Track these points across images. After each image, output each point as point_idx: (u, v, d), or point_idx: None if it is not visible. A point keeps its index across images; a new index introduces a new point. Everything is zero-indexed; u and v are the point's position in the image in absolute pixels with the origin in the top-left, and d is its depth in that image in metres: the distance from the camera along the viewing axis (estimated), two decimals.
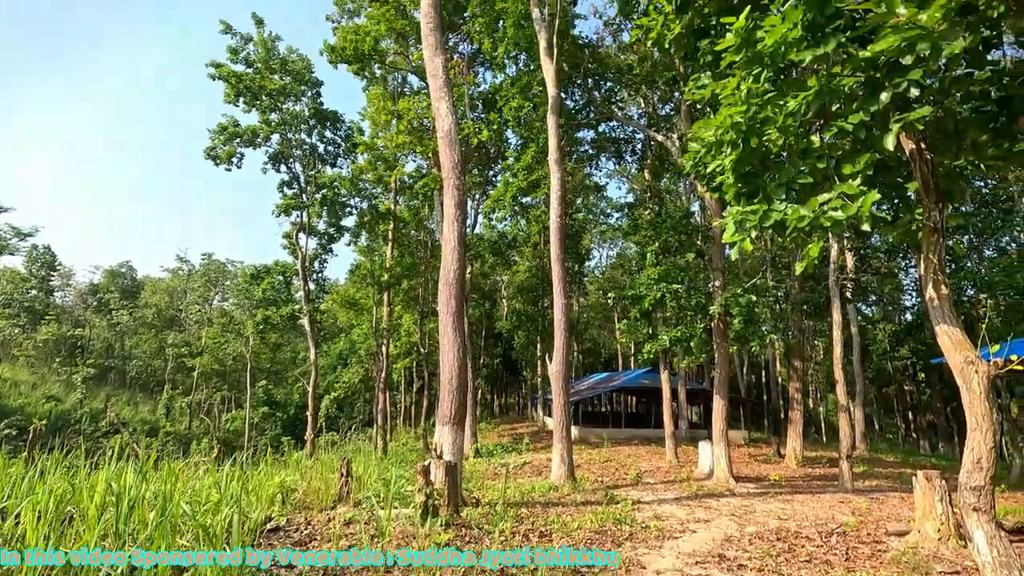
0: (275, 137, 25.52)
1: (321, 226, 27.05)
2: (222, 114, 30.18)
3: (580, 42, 18.80)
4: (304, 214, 26.30)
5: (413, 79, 26.98)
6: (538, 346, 36.02)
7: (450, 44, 23.02)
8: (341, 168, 27.52)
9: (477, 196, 27.96)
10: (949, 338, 4.98)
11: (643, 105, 21.13)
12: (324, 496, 8.47)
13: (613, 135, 23.15)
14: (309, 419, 25.22)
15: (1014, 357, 4.91)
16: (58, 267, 66.16)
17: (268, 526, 6.85)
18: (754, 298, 13.40)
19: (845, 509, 10.24)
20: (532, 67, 18.78)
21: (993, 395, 4.97)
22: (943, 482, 7.48)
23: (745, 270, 31.40)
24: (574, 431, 25.38)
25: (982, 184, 22.54)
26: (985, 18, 3.67)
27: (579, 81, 19.79)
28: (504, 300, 47.12)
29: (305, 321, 25.96)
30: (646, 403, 38.95)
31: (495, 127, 20.69)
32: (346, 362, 43.10)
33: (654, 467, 16.71)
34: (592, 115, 21.23)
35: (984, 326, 5.29)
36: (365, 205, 27.30)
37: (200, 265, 66.95)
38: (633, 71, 18.82)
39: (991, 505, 4.57)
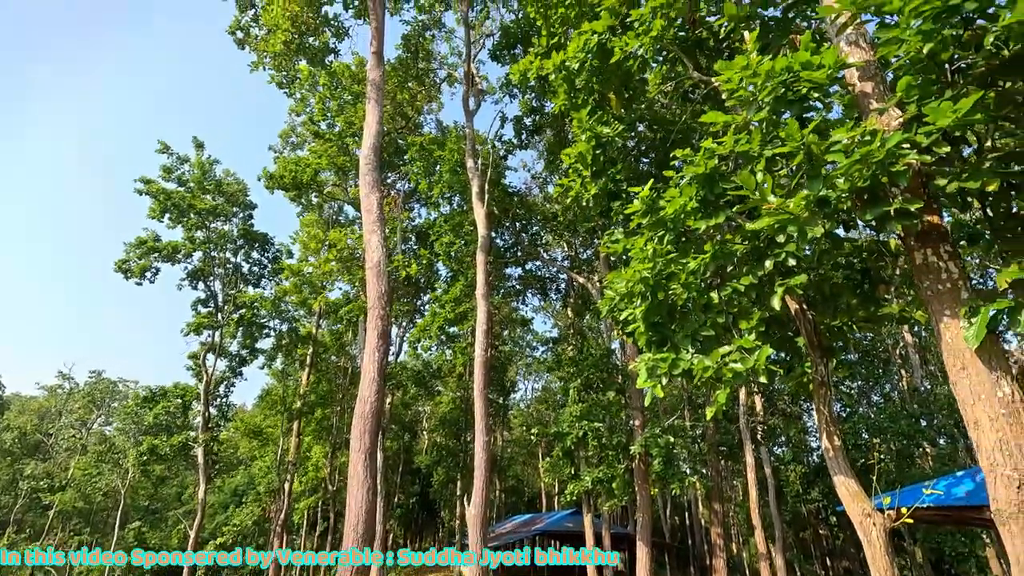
0: (197, 254, 24.84)
1: (234, 347, 25.57)
2: (143, 228, 29.08)
3: (510, 190, 20.47)
4: (217, 334, 24.87)
5: (349, 209, 27.86)
6: (458, 483, 33.93)
7: (388, 181, 24.34)
8: (264, 289, 26.84)
9: (404, 324, 27.85)
10: (846, 489, 5.20)
11: (566, 249, 22.73)
12: None
13: (539, 274, 24.43)
14: (185, 572, 21.58)
15: (904, 509, 5.16)
16: None
17: None
18: (672, 439, 13.60)
19: None
20: (464, 208, 20.03)
21: (893, 545, 5.11)
22: None
23: (664, 407, 32.20)
24: None
25: (863, 336, 25.25)
26: (837, 209, 4.40)
27: (508, 224, 21.20)
28: (425, 432, 45.01)
29: (199, 452, 23.29)
30: (570, 548, 36.63)
31: (424, 261, 21.35)
32: (241, 500, 38.26)
33: None
34: (519, 254, 22.50)
35: (874, 474, 5.59)
36: (285, 327, 26.34)
37: (85, 384, 59.92)
38: (557, 219, 20.49)
39: None
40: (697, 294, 5.84)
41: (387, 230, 20.13)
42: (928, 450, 19.43)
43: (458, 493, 33.38)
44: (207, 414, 23.79)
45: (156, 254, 23.41)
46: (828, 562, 35.49)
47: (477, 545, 12.25)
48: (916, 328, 26.26)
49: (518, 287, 26.06)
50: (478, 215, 15.52)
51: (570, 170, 8.57)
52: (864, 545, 5.01)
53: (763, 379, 4.96)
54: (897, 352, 26.61)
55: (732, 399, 17.78)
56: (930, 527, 18.13)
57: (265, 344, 26.42)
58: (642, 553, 13.34)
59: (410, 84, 21.22)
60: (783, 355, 7.66)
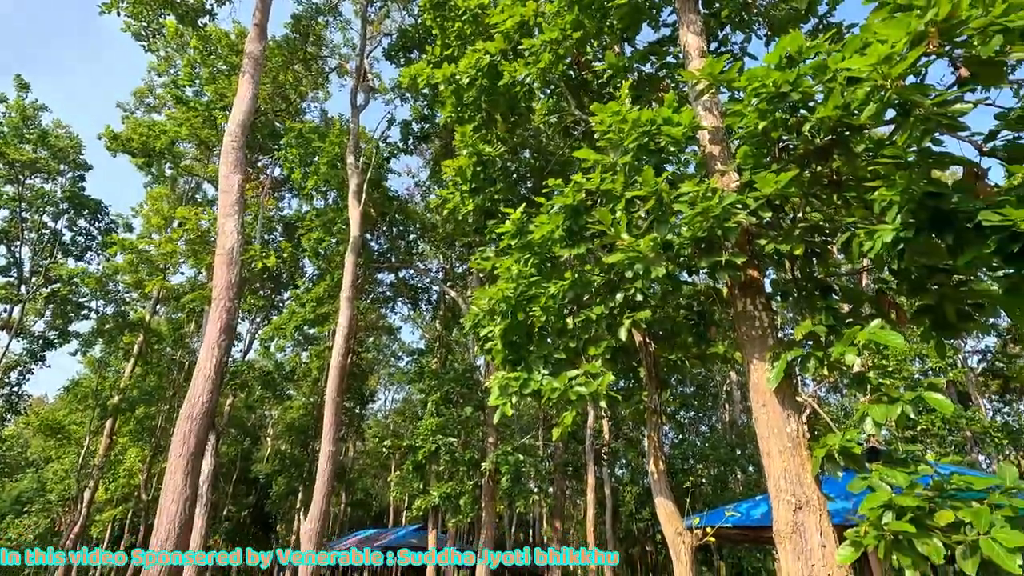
0: (3, 212, 20.83)
1: (39, 326, 21.67)
2: None
3: (390, 194, 19.97)
4: (16, 310, 20.91)
5: (209, 188, 25.29)
6: (299, 495, 31.69)
7: (259, 164, 22.50)
8: (90, 263, 23.19)
9: (258, 320, 25.71)
10: (664, 510, 5.68)
11: (442, 261, 22.65)
12: None
13: (412, 283, 24.02)
14: None
15: (709, 528, 5.75)
16: None
17: None
18: (522, 457, 13.96)
19: None
20: (340, 205, 19.12)
21: (697, 562, 5.66)
22: None
23: (521, 427, 33.09)
24: None
25: (698, 372, 28.23)
26: (679, 254, 4.87)
27: (384, 228, 20.63)
28: (269, 439, 41.60)
29: None
30: (416, 566, 35.87)
31: (287, 255, 19.92)
32: (24, 510, 32.12)
33: None
34: (393, 260, 21.95)
35: (689, 497, 6.19)
36: (111, 310, 22.95)
37: None
38: (436, 229, 20.37)
39: None
40: (554, 318, 6.08)
41: (247, 216, 18.56)
42: (740, 476, 22.09)
43: (298, 506, 31.15)
44: None
45: None
46: None
47: (310, 562, 11.46)
48: (741, 368, 29.95)
49: (389, 294, 25.39)
50: (352, 214, 14.90)
51: (451, 182, 8.57)
52: (674, 561, 5.48)
53: (603, 403, 5.27)
54: (724, 388, 30.08)
55: (581, 421, 18.78)
56: (733, 545, 20.53)
57: (83, 327, 22.75)
58: (481, 571, 13.42)
59: (296, 67, 19.96)
60: (627, 383, 8.26)
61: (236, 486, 38.64)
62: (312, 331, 23.77)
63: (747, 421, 26.45)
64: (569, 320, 6.10)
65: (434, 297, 24.17)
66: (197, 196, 24.64)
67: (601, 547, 23.90)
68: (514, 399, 5.79)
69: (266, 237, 21.31)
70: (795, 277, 4.99)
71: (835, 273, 5.26)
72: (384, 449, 17.77)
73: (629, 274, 4.83)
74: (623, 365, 7.81)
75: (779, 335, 5.06)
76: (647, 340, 6.78)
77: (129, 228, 24.22)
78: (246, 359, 25.59)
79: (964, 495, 3.64)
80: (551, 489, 20.98)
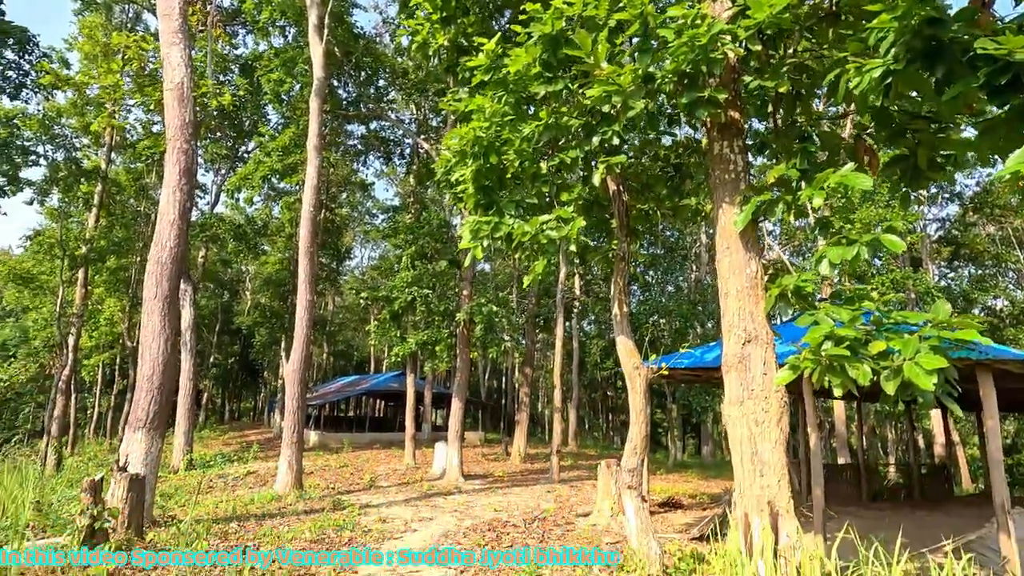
0: None
1: None
2: None
3: (355, 31, 18.13)
4: None
5: (151, 20, 22.60)
6: (282, 345, 33.11)
7: None
8: (27, 103, 21.21)
9: (222, 171, 24.64)
10: (624, 348, 6.09)
11: (415, 111, 21.41)
12: None
13: (384, 135, 22.88)
14: None
15: (664, 365, 6.24)
16: None
17: None
18: (496, 308, 14.54)
19: (550, 498, 11.70)
20: (301, 43, 17.39)
21: (650, 397, 6.22)
22: (618, 468, 9.10)
23: (497, 284, 34.11)
24: (314, 436, 23.92)
25: (670, 234, 28.79)
26: (660, 89, 4.62)
27: (351, 72, 19.07)
28: (248, 293, 42.26)
29: None
30: (395, 407, 39.06)
31: (242, 93, 18.41)
32: (11, 354, 33.06)
33: (391, 470, 16.70)
34: (363, 110, 20.64)
35: (648, 348, 6.61)
36: (61, 157, 21.58)
37: None
38: (407, 75, 18.94)
39: (639, 483, 5.69)
40: (528, 163, 5.92)
41: (196, 52, 16.88)
42: (699, 330, 23.67)
43: (282, 355, 32.72)
44: None
45: None
46: (611, 416, 42.99)
47: (293, 400, 12.29)
48: (711, 230, 30.64)
49: (360, 147, 24.28)
50: (314, 52, 13.60)
51: (417, 11, 7.73)
52: (630, 392, 6.00)
53: (573, 248, 5.34)
54: (694, 251, 30.99)
55: (553, 279, 19.36)
56: (683, 388, 22.65)
57: (35, 174, 21.51)
58: (456, 407, 14.64)
59: None
60: (598, 236, 8.36)
61: (220, 336, 40.04)
62: (282, 184, 23.01)
63: (711, 281, 27.71)
64: (543, 164, 5.95)
65: (407, 151, 23.25)
66: (138, 28, 22.02)
67: (567, 391, 26.04)
68: (485, 243, 5.82)
69: (221, 78, 19.54)
70: (775, 121, 4.84)
71: (817, 119, 5.12)
72: (362, 301, 18.26)
73: (607, 109, 4.60)
74: (595, 217, 7.84)
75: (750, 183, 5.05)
76: (620, 189, 6.72)
77: (66, 64, 21.86)
78: (214, 211, 24.97)
79: (899, 328, 3.94)
80: (523, 340, 22.28)
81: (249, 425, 41.06)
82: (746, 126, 5.29)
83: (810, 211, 4.19)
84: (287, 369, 12.73)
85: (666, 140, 8.05)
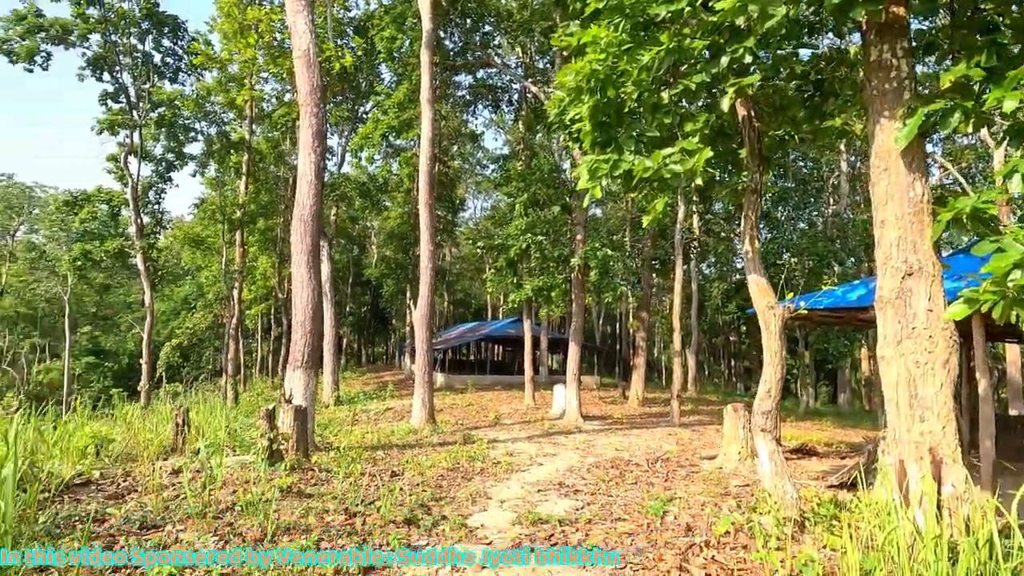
0: (95, 38, 21.36)
1: (158, 150, 23.59)
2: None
3: None
4: (135, 135, 22.65)
5: None
6: (408, 294, 35.51)
7: None
8: (184, 85, 23.96)
9: (346, 132, 26.20)
10: (757, 286, 5.70)
11: (521, 55, 20.96)
12: (152, 448, 7.71)
13: (491, 83, 22.77)
14: (144, 369, 22.63)
15: (803, 304, 5.78)
16: None
17: (77, 480, 6.08)
18: (611, 252, 14.30)
19: (671, 440, 11.65)
20: None
21: (785, 338, 5.82)
22: (746, 413, 8.76)
23: (609, 228, 33.37)
24: (440, 378, 25.73)
25: (803, 164, 25.98)
26: None
27: (457, 20, 19.00)
28: (374, 247, 45.49)
29: (138, 259, 22.81)
30: (512, 351, 40.61)
31: (360, 53, 19.14)
32: (192, 307, 38.97)
33: (513, 410, 17.56)
34: (470, 59, 20.62)
35: (780, 290, 6.14)
36: (214, 131, 24.24)
37: None
38: (512, 17, 18.48)
39: (775, 427, 5.43)
40: (648, 93, 5.57)
41: (316, 18, 17.71)
42: (836, 269, 21.49)
43: (408, 303, 35.18)
44: (139, 221, 22.77)
45: (43, 33, 19.92)
46: (732, 363, 41.17)
47: (423, 343, 13.22)
48: (853, 159, 27.15)
49: (468, 97, 24.43)
50: (422, 3, 13.71)
51: None
52: (763, 332, 5.66)
53: (699, 180, 5.02)
54: (831, 182, 27.78)
55: (670, 214, 18.50)
56: (819, 333, 20.90)
57: (195, 149, 24.54)
58: (572, 350, 14.87)
59: None
60: (724, 166, 7.75)
61: (353, 287, 43.81)
62: (399, 141, 24.01)
63: (852, 216, 24.78)
64: (664, 94, 5.56)
65: (515, 97, 23.00)
66: (264, 2, 23.56)
67: (685, 335, 25.27)
68: (604, 182, 5.66)
69: (338, 42, 20.48)
70: (952, 10, 4.06)
71: (1008, 2, 4.19)
72: (478, 251, 18.86)
73: (740, 21, 4.15)
74: (722, 148, 7.26)
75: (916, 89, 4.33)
76: (751, 114, 6.12)
77: (209, 44, 24.21)
78: (341, 171, 26.81)
79: None
80: (639, 284, 21.80)
81: (383, 367, 45.14)
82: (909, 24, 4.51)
83: (998, 118, 3.52)
84: (415, 315, 13.68)
85: (804, 55, 7.13)
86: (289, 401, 8.34)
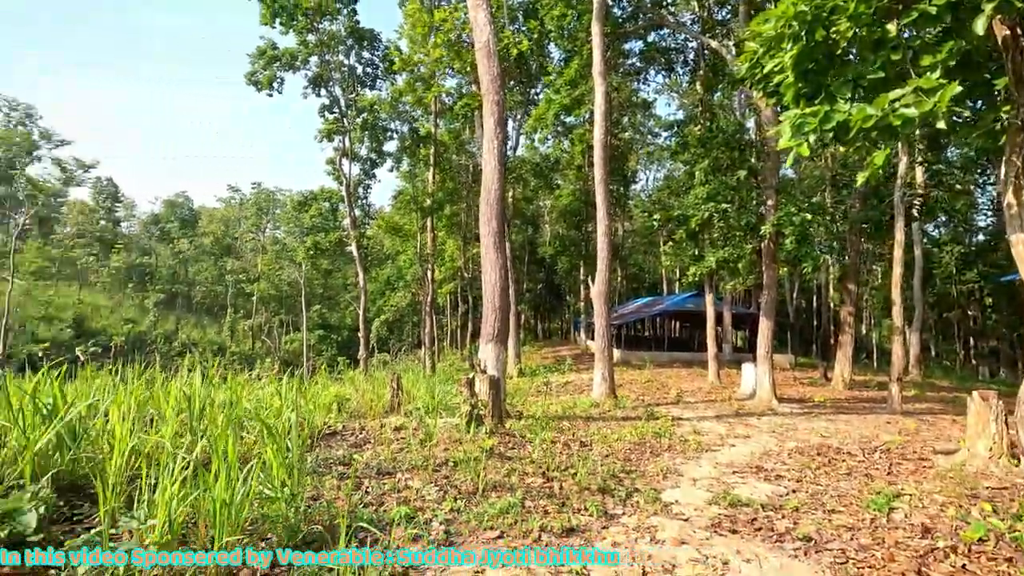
0: (313, 60, 25.09)
1: (363, 151, 27.04)
2: (260, 36, 29.44)
3: None
4: (346, 139, 26.26)
5: None
6: (581, 271, 35.94)
7: None
8: (380, 91, 27.02)
9: (518, 116, 27.13)
10: (1022, 248, 4.62)
11: (697, 8, 19.44)
12: (376, 407, 9.02)
13: (663, 45, 21.56)
14: (361, 341, 26.48)
15: None
16: (121, 198, 69.50)
17: (326, 431, 7.41)
18: (809, 217, 12.73)
19: (892, 429, 10.13)
20: None
21: None
22: (1000, 402, 7.22)
23: (802, 190, 29.67)
24: (617, 353, 25.69)
25: None
26: None
27: None
28: (547, 225, 46.71)
29: (353, 247, 26.62)
30: (690, 327, 38.81)
31: (535, 35, 19.53)
32: (393, 287, 44.44)
33: (695, 388, 16.86)
34: (641, 23, 19.73)
35: None
36: (405, 129, 26.97)
37: (251, 194, 68.90)
38: None
39: None
40: (868, 29, 4.80)
41: (493, 6, 18.48)
42: None
43: (581, 279, 35.63)
44: (353, 214, 26.49)
45: (277, 63, 24.03)
46: (972, 342, 34.04)
47: (601, 318, 13.32)
48: None
49: (639, 65, 23.48)
50: None
51: None
52: None
53: (941, 124, 4.20)
54: None
55: (888, 173, 15.76)
56: None
57: (390, 147, 27.61)
58: (764, 326, 13.66)
59: None
60: (970, 102, 6.36)
61: (528, 265, 45.69)
62: (569, 119, 24.16)
63: None
64: (890, 26, 4.73)
65: (691, 57, 21.50)
66: (443, 2, 25.33)
67: (907, 310, 21.58)
68: (811, 138, 5.05)
69: (513, 28, 21.16)
70: None
71: None
72: (654, 223, 18.19)
73: None
74: (969, 81, 5.95)
75: None
76: (1019, 32, 4.90)
77: (398, 50, 26.85)
78: (516, 155, 27.91)
79: None
80: (843, 252, 19.11)
81: (558, 342, 46.54)
82: None
83: None
84: (593, 291, 13.81)
85: None
86: (484, 371, 9.09)
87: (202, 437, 4.51)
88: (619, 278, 48.19)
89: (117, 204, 68.77)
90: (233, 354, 48.22)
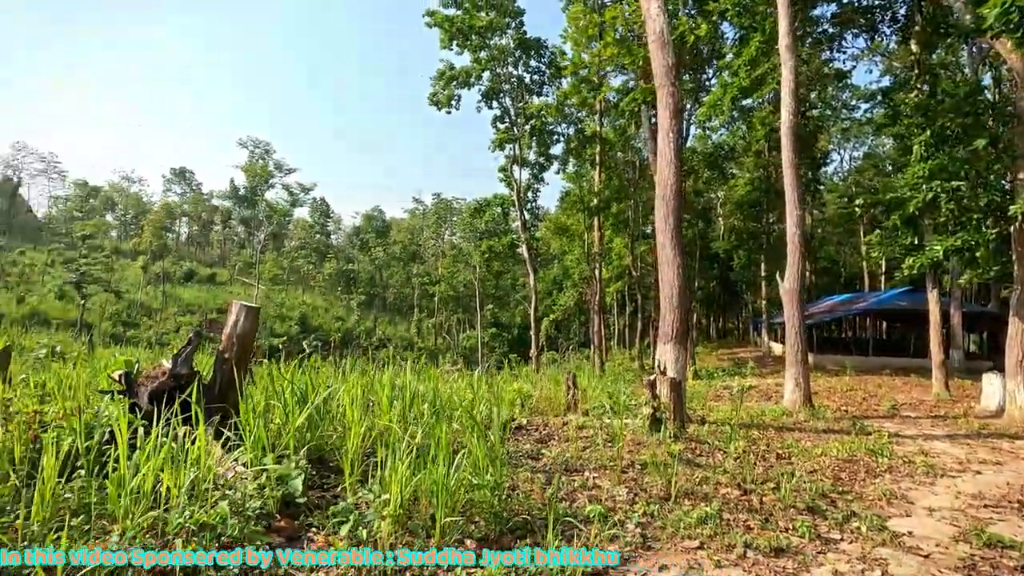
0: (486, 75, 26.73)
1: (532, 156, 28.05)
2: (439, 59, 32.40)
3: None
4: (516, 146, 27.48)
5: None
6: (761, 266, 32.80)
7: None
8: (547, 96, 27.77)
9: (688, 105, 25.77)
10: None
11: None
12: (554, 404, 9.28)
13: (864, 3, 18.70)
14: (532, 339, 27.48)
15: None
16: (331, 214, 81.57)
17: (513, 425, 7.82)
18: None
19: None
20: None
21: None
22: None
23: None
24: (808, 357, 23.06)
25: None
26: None
27: None
28: (720, 218, 43.66)
29: (523, 249, 27.79)
30: (900, 328, 33.24)
31: (714, 17, 18.29)
32: (561, 287, 45.31)
33: (914, 400, 14.38)
34: None
35: None
36: (571, 131, 27.34)
37: (432, 204, 76.03)
38: None
39: None
40: None
41: None
42: None
43: (762, 275, 32.54)
44: (523, 218, 27.64)
45: (455, 82, 26.10)
46: None
47: (793, 318, 12.04)
48: None
49: (832, 30, 20.67)
50: None
51: None
52: None
53: None
54: None
55: None
56: None
57: (556, 150, 28.23)
58: (1017, 328, 11.06)
59: None
60: None
61: (700, 262, 43.17)
62: (746, 101, 22.29)
63: None
64: None
65: (900, 12, 18.30)
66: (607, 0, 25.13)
67: None
68: None
69: (681, 13, 20.21)
70: None
71: None
72: (856, 209, 15.89)
73: None
74: None
75: None
76: None
77: (563, 54, 27.32)
78: (687, 146, 26.57)
79: None
80: None
81: (734, 343, 43.20)
82: None
83: None
84: (782, 288, 12.53)
85: None
86: (664, 372, 8.80)
87: (415, 423, 5.07)
88: (808, 273, 43.06)
89: (328, 219, 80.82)
90: (420, 349, 53.49)
